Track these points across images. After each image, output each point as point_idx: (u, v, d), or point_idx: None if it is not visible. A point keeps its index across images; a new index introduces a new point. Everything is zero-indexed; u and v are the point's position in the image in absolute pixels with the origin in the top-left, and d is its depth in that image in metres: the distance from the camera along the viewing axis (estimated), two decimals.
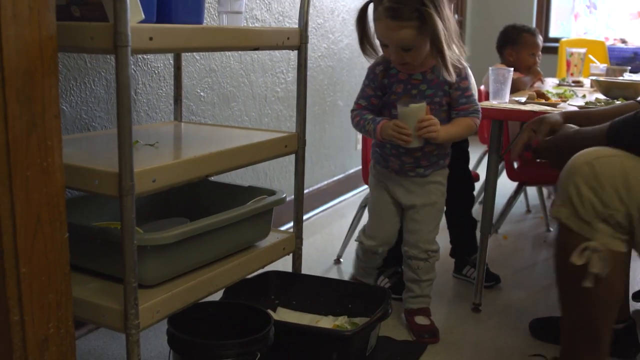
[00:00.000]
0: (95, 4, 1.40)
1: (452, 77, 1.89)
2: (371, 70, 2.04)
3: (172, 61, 2.21)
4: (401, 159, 2.05)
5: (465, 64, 1.98)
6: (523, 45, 3.13)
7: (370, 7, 1.90)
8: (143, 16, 1.41)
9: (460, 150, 2.45)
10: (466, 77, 1.99)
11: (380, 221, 2.16)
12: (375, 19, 1.87)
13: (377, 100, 2.05)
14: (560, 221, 1.58)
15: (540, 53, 3.44)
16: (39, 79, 1.23)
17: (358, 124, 2.04)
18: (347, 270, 2.74)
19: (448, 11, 1.86)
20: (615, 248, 1.51)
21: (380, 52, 1.99)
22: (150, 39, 1.38)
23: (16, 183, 1.20)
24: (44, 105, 1.24)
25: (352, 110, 2.09)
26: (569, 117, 1.87)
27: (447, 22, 1.83)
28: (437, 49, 1.83)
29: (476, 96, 2.12)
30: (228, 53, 2.56)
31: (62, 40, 1.29)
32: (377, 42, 1.96)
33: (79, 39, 1.36)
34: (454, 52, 1.90)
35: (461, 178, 2.43)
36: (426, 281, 2.13)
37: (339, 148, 3.72)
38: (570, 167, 1.55)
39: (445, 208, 2.19)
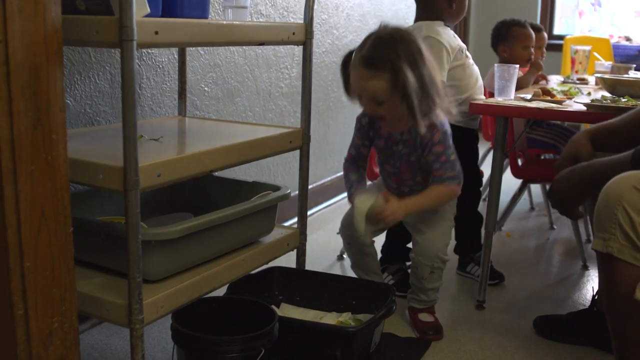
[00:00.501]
0: None
1: (423, 132, 1.85)
2: (358, 120, 2.04)
3: (176, 56, 2.21)
4: (400, 189, 2.07)
5: (447, 128, 1.93)
6: (515, 39, 3.10)
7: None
8: (149, 10, 1.40)
9: (469, 147, 2.46)
10: (440, 142, 1.91)
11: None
12: (351, 67, 1.85)
13: (365, 149, 2.05)
14: (612, 256, 1.44)
15: (544, 50, 3.43)
16: (44, 74, 1.22)
17: (344, 179, 2.07)
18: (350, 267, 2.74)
19: (430, 70, 1.81)
20: None
21: None
22: (156, 33, 1.37)
23: (21, 177, 1.20)
24: (49, 99, 1.24)
25: (345, 159, 2.09)
26: (594, 134, 1.81)
27: (425, 80, 1.78)
28: (408, 106, 1.78)
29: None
30: (232, 48, 2.56)
31: (67, 34, 1.29)
32: None
33: (84, 33, 1.35)
34: (434, 114, 1.86)
35: (469, 175, 2.42)
36: (431, 289, 2.10)
37: (342, 144, 3.71)
38: (612, 194, 1.44)
39: (454, 223, 2.14)
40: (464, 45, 2.42)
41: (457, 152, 2.00)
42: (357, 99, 1.90)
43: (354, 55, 1.84)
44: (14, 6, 1.15)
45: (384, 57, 1.76)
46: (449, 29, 2.42)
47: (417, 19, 2.46)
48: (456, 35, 2.43)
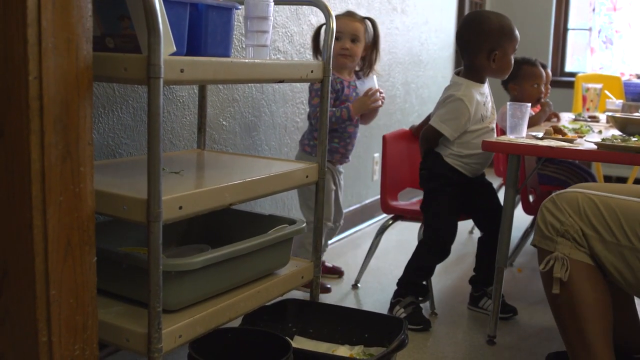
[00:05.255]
0: (129, 36, 1.45)
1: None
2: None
3: (196, 91, 2.27)
4: (347, 148, 2.69)
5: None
6: (524, 78, 3.15)
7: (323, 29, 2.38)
8: (175, 48, 1.45)
9: (485, 183, 2.60)
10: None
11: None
12: (337, 19, 2.43)
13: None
14: (535, 246, 1.88)
15: (549, 86, 3.47)
16: (74, 108, 1.27)
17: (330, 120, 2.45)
18: (364, 296, 2.77)
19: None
20: (576, 257, 1.77)
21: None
22: (182, 70, 1.43)
23: (50, 208, 1.24)
24: (79, 133, 1.29)
25: (314, 114, 2.57)
26: None
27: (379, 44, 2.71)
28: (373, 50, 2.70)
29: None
30: (251, 84, 2.62)
31: (97, 70, 1.34)
32: None
33: (113, 70, 1.40)
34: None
35: (494, 209, 2.51)
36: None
37: (355, 178, 3.75)
38: (540, 207, 1.88)
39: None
40: (489, 114, 2.55)
41: (477, 198, 2.51)
42: (336, 40, 2.50)
43: (338, 17, 2.52)
44: (49, 43, 1.20)
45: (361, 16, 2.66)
46: (485, 86, 2.55)
47: (462, 74, 2.55)
48: (487, 95, 2.56)
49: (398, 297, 2.49)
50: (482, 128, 2.50)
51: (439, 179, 2.52)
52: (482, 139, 2.36)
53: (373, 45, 2.68)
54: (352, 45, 2.59)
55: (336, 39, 2.51)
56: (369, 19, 2.66)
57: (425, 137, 2.56)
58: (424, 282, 2.56)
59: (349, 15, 2.65)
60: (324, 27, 2.32)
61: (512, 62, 2.52)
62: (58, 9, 1.21)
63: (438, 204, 2.51)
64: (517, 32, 2.51)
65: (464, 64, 2.57)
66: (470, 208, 2.59)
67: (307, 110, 3.07)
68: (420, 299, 2.53)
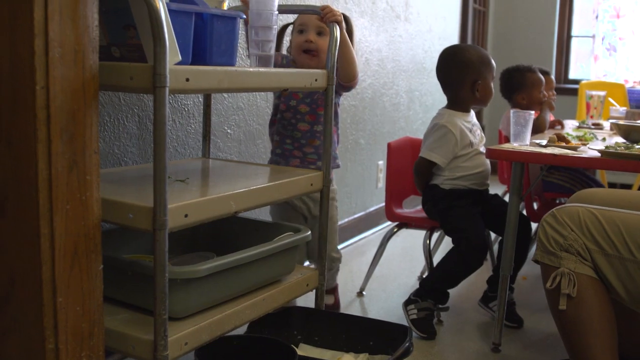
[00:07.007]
0: (135, 46, 1.46)
1: None
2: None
3: (201, 99, 2.28)
4: (304, 150, 2.31)
5: None
6: (531, 86, 3.16)
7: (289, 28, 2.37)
8: (180, 58, 1.47)
9: (490, 196, 2.67)
10: None
11: None
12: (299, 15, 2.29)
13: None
14: (537, 262, 1.88)
15: (554, 92, 3.48)
16: (81, 117, 1.28)
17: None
18: (369, 303, 2.77)
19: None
20: (582, 271, 1.76)
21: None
22: (187, 80, 1.44)
23: (56, 216, 1.26)
24: (85, 142, 1.30)
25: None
26: None
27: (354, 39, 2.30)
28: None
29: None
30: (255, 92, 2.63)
31: (103, 79, 1.35)
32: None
33: (119, 79, 1.41)
34: None
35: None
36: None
37: (359, 186, 3.76)
38: (540, 221, 1.87)
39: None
40: (477, 140, 2.61)
41: (489, 208, 2.57)
42: (298, 34, 2.26)
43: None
44: (56, 54, 1.22)
45: None
46: (471, 115, 2.64)
47: (446, 106, 2.67)
48: (475, 124, 2.64)
49: (417, 296, 2.49)
50: (471, 151, 2.57)
51: (445, 200, 2.54)
52: (473, 162, 2.51)
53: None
54: (317, 38, 2.23)
55: (299, 32, 2.26)
56: (342, 14, 2.27)
57: (417, 169, 2.63)
58: (447, 290, 2.54)
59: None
60: (290, 26, 2.38)
61: (493, 89, 2.64)
62: (65, 20, 1.22)
63: (457, 214, 2.53)
64: (493, 61, 2.64)
65: (447, 97, 2.68)
66: (485, 219, 2.59)
67: None
68: (439, 306, 2.53)
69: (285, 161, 2.33)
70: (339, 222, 3.51)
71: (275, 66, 2.11)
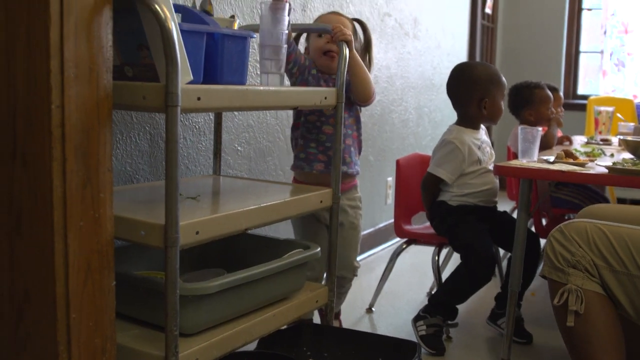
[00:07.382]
0: (147, 65, 1.49)
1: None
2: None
3: (212, 117, 2.30)
4: (328, 154, 2.26)
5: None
6: (539, 102, 3.18)
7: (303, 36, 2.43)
8: (192, 77, 1.49)
9: (499, 213, 2.69)
10: None
11: None
12: (323, 18, 2.35)
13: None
14: (545, 277, 1.86)
15: (562, 109, 3.49)
16: (94, 136, 1.31)
17: None
18: (378, 320, 2.77)
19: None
20: (589, 288, 1.75)
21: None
22: (198, 99, 1.46)
23: (70, 233, 1.28)
24: (99, 159, 1.32)
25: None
26: None
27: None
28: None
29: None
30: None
31: (116, 98, 1.37)
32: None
33: (132, 98, 1.44)
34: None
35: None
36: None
37: (369, 202, 3.77)
38: (548, 237, 1.86)
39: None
40: (486, 157, 2.63)
41: (497, 224, 2.57)
42: (317, 37, 2.26)
43: (320, 15, 2.42)
44: (71, 73, 1.24)
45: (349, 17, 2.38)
46: (481, 132, 2.67)
47: (456, 122, 2.70)
48: (484, 141, 2.66)
49: (426, 313, 2.50)
50: (479, 169, 2.59)
51: (453, 216, 2.56)
52: (481, 179, 2.52)
53: (365, 49, 2.39)
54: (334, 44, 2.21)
55: (319, 36, 2.26)
56: (358, 20, 2.38)
57: (425, 185, 2.66)
58: (456, 306, 2.54)
59: (336, 13, 2.41)
60: (303, 35, 2.43)
61: (502, 107, 2.66)
62: (80, 40, 1.25)
63: (465, 230, 2.54)
64: (503, 79, 2.66)
65: (457, 114, 2.71)
66: (494, 235, 2.60)
67: None
68: (448, 322, 2.53)
69: (310, 165, 2.28)
70: None
71: (299, 66, 2.20)
